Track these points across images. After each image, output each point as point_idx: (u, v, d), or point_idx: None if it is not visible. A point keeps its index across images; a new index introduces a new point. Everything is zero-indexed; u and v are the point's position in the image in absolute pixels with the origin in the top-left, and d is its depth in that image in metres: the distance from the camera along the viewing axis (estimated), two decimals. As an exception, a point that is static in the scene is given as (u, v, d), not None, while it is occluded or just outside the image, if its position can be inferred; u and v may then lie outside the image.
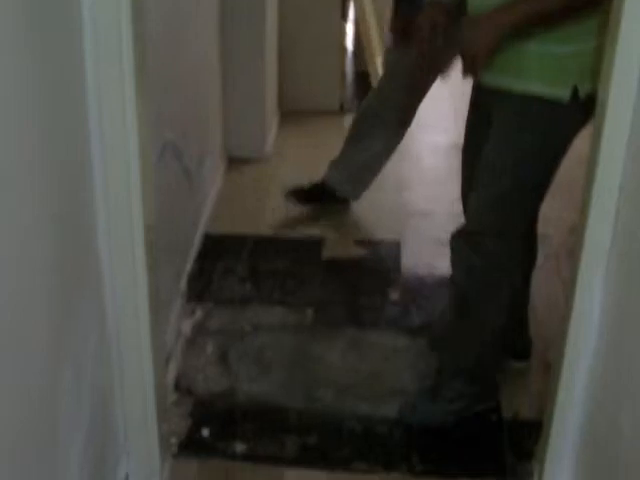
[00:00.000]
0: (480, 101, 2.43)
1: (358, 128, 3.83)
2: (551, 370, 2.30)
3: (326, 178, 3.90)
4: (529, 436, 2.57)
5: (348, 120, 5.05)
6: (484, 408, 2.64)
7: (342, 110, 5.20)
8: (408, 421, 2.61)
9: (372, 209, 4.03)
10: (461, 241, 2.44)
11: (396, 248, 3.67)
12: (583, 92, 2.16)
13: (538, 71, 2.18)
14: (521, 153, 2.27)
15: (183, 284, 3.27)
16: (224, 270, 3.47)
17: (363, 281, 3.44)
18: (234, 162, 4.41)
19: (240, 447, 2.53)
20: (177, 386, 2.77)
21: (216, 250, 3.61)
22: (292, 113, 5.06)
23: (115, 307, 2.16)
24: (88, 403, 2.01)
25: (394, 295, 3.33)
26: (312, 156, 4.57)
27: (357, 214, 4.00)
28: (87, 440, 1.98)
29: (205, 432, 2.58)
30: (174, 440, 2.53)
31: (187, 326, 3.09)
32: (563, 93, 2.16)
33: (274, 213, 3.97)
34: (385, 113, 3.67)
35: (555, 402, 2.20)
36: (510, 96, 2.23)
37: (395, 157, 3.89)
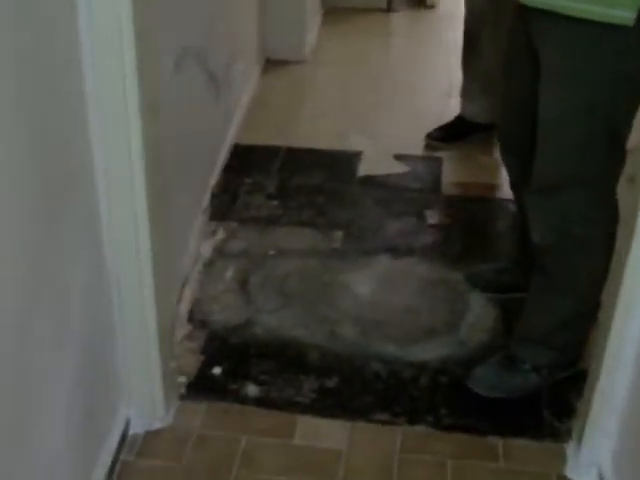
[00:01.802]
0: (520, 30, 2.10)
1: (468, 47, 3.46)
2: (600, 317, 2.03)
3: (463, 112, 3.57)
4: (570, 391, 2.34)
5: (395, 19, 4.75)
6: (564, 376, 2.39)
7: (389, 9, 4.85)
8: (478, 391, 2.35)
9: (414, 119, 3.73)
10: (536, 198, 2.15)
11: (437, 165, 3.40)
12: None
13: None
14: (584, 99, 1.96)
15: (206, 200, 3.04)
16: (251, 185, 3.24)
17: (399, 201, 3.18)
18: (271, 64, 4.12)
19: (253, 390, 2.33)
20: (191, 317, 2.56)
21: (244, 163, 3.36)
22: (336, 11, 4.73)
23: (110, 219, 1.92)
24: (77, 339, 1.80)
25: (432, 218, 3.07)
26: (356, 59, 4.28)
27: (397, 124, 3.71)
28: (76, 381, 1.79)
29: (217, 371, 2.39)
30: (183, 380, 2.33)
31: (207, 248, 2.87)
32: (627, 14, 1.83)
33: (311, 121, 3.69)
34: (486, 18, 3.29)
35: (604, 354, 1.97)
36: (560, 22, 1.90)
37: (442, 57, 3.59)
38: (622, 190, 2.12)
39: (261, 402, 2.30)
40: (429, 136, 3.55)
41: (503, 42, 3.04)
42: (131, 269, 1.99)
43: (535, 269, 2.28)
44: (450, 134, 3.55)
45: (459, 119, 3.57)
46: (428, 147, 3.54)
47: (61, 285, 1.69)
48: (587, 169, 2.06)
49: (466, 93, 3.52)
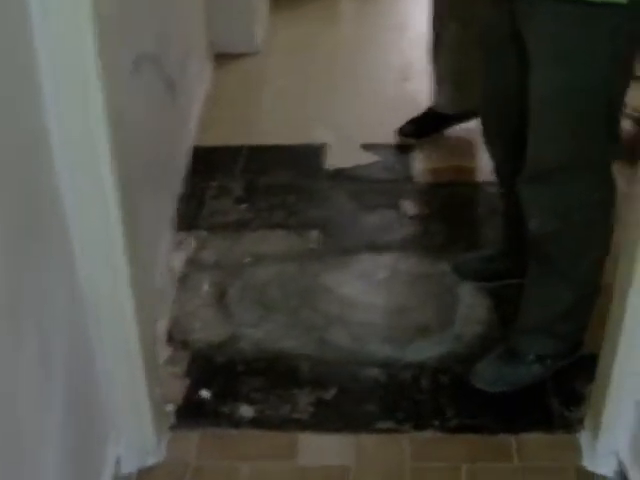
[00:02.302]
0: (501, 13, 1.99)
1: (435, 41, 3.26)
2: (615, 291, 1.92)
3: (435, 103, 3.35)
4: (575, 377, 2.25)
5: (344, 4, 4.62)
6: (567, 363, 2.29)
7: (339, -7, 4.72)
8: (482, 387, 2.25)
9: (375, 105, 3.61)
10: (533, 185, 2.04)
11: (407, 153, 3.29)
12: None
13: None
14: (578, 80, 1.85)
15: (172, 210, 2.89)
16: (217, 189, 3.10)
17: (373, 194, 3.06)
18: (222, 59, 3.96)
19: (246, 410, 2.20)
20: (170, 337, 2.42)
21: (207, 166, 3.21)
22: (283, -2, 4.58)
23: (83, 244, 1.77)
24: (62, 375, 1.66)
25: (409, 209, 2.96)
26: (308, 47, 4.14)
27: (359, 111, 3.58)
28: (64, 422, 1.65)
29: (205, 394, 2.25)
30: (170, 407, 2.19)
31: (178, 260, 2.73)
32: None
33: (270, 116, 3.55)
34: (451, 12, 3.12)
35: (618, 340, 1.87)
36: (550, 3, 1.79)
37: (394, 41, 3.46)
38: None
39: (257, 423, 2.17)
40: (401, 132, 3.36)
41: (472, 31, 2.95)
42: (109, 293, 1.84)
43: (532, 257, 2.17)
44: (422, 128, 3.36)
45: (430, 112, 3.36)
46: (400, 144, 3.35)
47: (37, 321, 1.54)
48: (585, 151, 1.96)
49: (437, 84, 3.32)
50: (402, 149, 3.30)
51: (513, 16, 1.94)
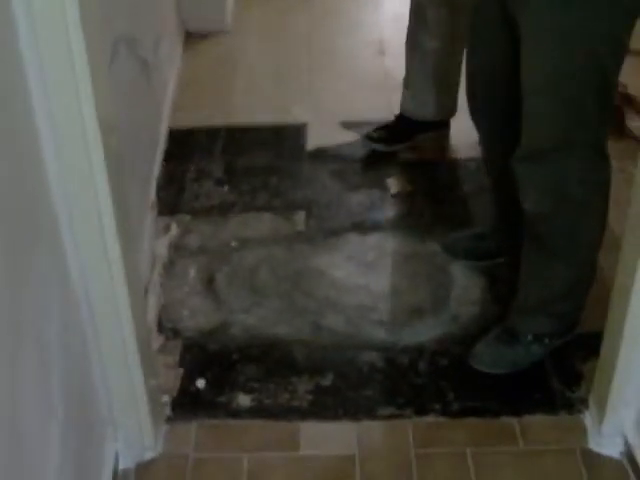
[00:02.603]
0: None
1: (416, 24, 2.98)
2: (619, 268, 1.88)
3: (405, 108, 3.09)
4: (573, 356, 2.24)
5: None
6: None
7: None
8: (481, 369, 2.22)
9: (352, 82, 3.55)
10: (527, 165, 2.01)
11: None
12: None
13: None
14: (573, 59, 1.82)
15: (152, 194, 2.82)
16: (197, 172, 3.02)
17: (356, 173, 3.00)
18: (192, 38, 3.87)
19: (244, 399, 2.14)
20: (160, 326, 2.36)
21: (184, 148, 3.14)
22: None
23: (78, 250, 1.71)
24: (60, 375, 1.59)
25: (393, 187, 2.91)
26: (280, 24, 4.06)
27: (337, 89, 3.52)
28: (64, 424, 1.58)
29: (200, 383, 2.19)
30: (166, 399, 2.13)
31: (162, 247, 2.65)
32: None
33: (246, 96, 3.47)
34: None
35: (624, 323, 1.84)
36: None
37: (369, 16, 3.37)
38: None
39: (255, 412, 2.12)
40: (368, 137, 3.09)
41: (459, 23, 2.87)
42: (103, 287, 1.77)
43: (528, 237, 2.14)
44: (392, 135, 3.09)
45: (401, 118, 3.10)
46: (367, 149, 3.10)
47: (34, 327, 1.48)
48: (580, 129, 1.93)
49: (410, 85, 3.04)
50: (370, 157, 3.08)
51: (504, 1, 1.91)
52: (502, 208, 2.43)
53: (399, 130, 3.10)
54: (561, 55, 1.83)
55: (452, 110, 3.05)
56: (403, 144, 3.08)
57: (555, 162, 1.96)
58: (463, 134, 3.10)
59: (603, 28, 1.79)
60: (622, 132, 2.92)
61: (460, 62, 2.92)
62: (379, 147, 3.08)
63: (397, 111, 3.12)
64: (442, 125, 3.10)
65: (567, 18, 1.79)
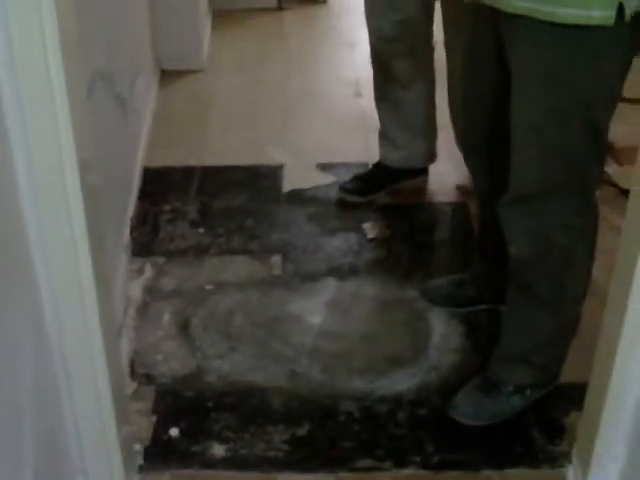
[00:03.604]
0: (487, 34, 1.92)
1: (380, 77, 2.93)
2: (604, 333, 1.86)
3: (383, 158, 3.05)
4: (554, 407, 2.20)
5: (288, 17, 4.55)
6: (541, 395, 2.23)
7: (280, 7, 4.63)
8: (461, 421, 2.18)
9: (329, 123, 3.53)
10: (514, 209, 1.98)
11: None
12: (630, 10, 1.66)
13: None
14: (563, 103, 1.80)
15: (126, 235, 2.76)
16: (171, 212, 2.98)
17: (333, 216, 2.97)
18: (167, 76, 3.86)
19: (219, 449, 2.09)
20: (133, 372, 2.30)
21: (159, 188, 3.10)
22: (224, 13, 4.49)
23: (53, 292, 1.65)
24: (33, 436, 1.53)
25: (371, 232, 2.88)
26: (254, 63, 4.06)
27: (313, 130, 3.50)
28: (36, 478, 1.51)
29: (174, 432, 2.13)
30: (138, 447, 2.07)
31: (136, 289, 2.60)
32: (606, 14, 1.66)
33: (221, 135, 3.44)
34: (400, 45, 2.78)
35: (610, 377, 1.80)
36: (536, 26, 1.72)
37: (344, 57, 3.35)
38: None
39: (230, 463, 2.06)
40: (343, 189, 3.02)
41: (427, 71, 2.85)
42: (77, 326, 1.71)
43: (512, 283, 2.11)
44: (367, 186, 3.03)
45: (379, 167, 3.05)
46: (341, 202, 3.01)
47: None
48: (569, 174, 1.90)
49: (385, 136, 2.99)
50: (345, 205, 3.01)
51: (498, 38, 1.88)
52: (487, 253, 2.41)
53: (377, 179, 3.05)
54: (548, 96, 1.81)
55: (433, 156, 3.03)
56: (379, 193, 3.03)
57: (542, 206, 1.94)
58: (441, 177, 3.10)
59: (589, 71, 1.76)
60: (600, 178, 2.91)
61: (435, 106, 2.91)
62: (354, 199, 3.01)
63: (374, 156, 3.09)
64: (422, 172, 3.07)
65: (551, 58, 1.76)
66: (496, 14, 1.79)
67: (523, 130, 1.88)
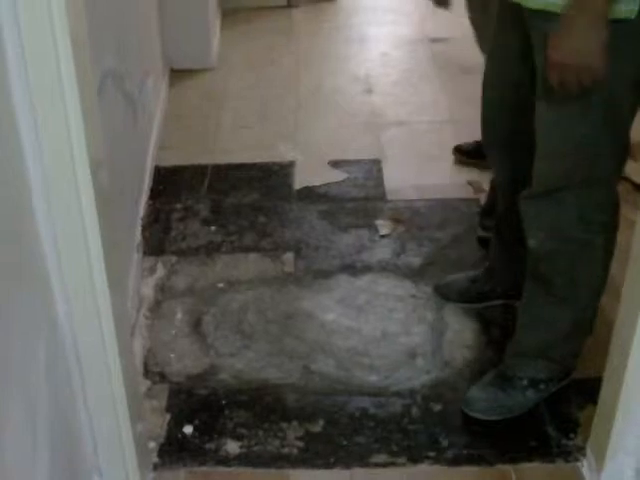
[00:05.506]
0: (515, 33, 1.92)
1: None
2: (621, 314, 1.84)
3: None
4: (569, 402, 2.20)
5: (297, 15, 4.54)
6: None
7: (290, 4, 4.62)
8: (476, 415, 2.17)
9: (340, 120, 3.53)
10: (536, 203, 1.98)
11: (377, 169, 3.19)
12: None
13: None
14: (586, 98, 1.78)
15: (138, 234, 2.77)
16: (183, 211, 2.97)
17: (345, 213, 2.96)
18: (177, 75, 3.84)
19: (233, 446, 2.09)
20: (146, 370, 2.30)
21: (170, 186, 3.10)
22: (235, 12, 4.48)
23: (66, 291, 1.65)
24: (47, 434, 1.53)
25: (383, 229, 2.87)
26: (264, 61, 4.05)
27: (324, 127, 3.49)
28: (51, 476, 1.52)
29: (188, 429, 2.14)
30: (153, 445, 2.07)
31: (148, 288, 2.60)
32: (629, 7, 1.66)
33: (232, 133, 3.44)
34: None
35: (624, 372, 1.80)
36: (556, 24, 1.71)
37: (354, 53, 3.31)
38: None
39: (245, 460, 2.06)
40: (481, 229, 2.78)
41: None
42: (90, 324, 1.71)
43: (530, 278, 2.10)
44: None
45: None
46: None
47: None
48: (590, 169, 1.90)
49: None
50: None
51: (522, 37, 1.87)
52: (504, 248, 2.39)
53: None
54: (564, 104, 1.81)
55: None
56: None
57: (564, 201, 1.94)
58: (453, 173, 3.09)
59: (619, 67, 1.75)
60: (621, 174, 2.90)
61: None
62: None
63: (385, 152, 3.08)
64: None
65: None
66: (523, 13, 1.80)
67: (546, 127, 1.88)
